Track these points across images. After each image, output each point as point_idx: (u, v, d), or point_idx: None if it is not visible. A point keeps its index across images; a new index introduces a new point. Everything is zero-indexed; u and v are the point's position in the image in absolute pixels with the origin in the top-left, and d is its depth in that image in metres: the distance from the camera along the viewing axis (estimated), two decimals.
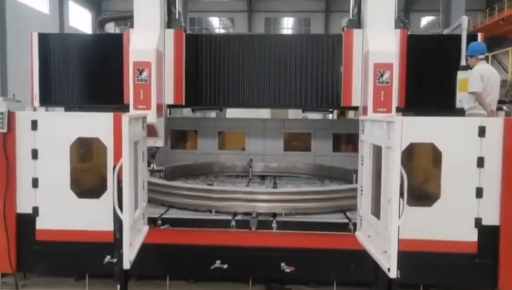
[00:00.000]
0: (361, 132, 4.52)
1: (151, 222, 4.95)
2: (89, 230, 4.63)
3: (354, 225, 4.85)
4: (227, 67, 7.07)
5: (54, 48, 7.01)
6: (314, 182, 7.20)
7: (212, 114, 9.75)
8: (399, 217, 3.63)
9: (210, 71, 7.07)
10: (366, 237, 4.28)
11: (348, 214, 5.29)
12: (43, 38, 6.99)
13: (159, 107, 6.08)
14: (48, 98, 7.06)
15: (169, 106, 6.77)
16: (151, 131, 5.93)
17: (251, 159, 7.62)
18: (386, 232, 3.76)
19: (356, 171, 6.72)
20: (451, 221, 4.49)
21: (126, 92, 6.05)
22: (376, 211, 4.09)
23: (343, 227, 4.95)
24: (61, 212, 4.64)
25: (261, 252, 4.79)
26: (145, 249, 4.40)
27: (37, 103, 7.05)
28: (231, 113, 10.00)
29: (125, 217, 3.66)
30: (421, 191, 4.59)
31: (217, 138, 7.98)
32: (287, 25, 38.75)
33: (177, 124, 8.15)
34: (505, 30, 26.40)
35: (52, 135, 4.58)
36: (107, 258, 4.55)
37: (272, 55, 7.07)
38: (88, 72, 7.08)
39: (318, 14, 37.21)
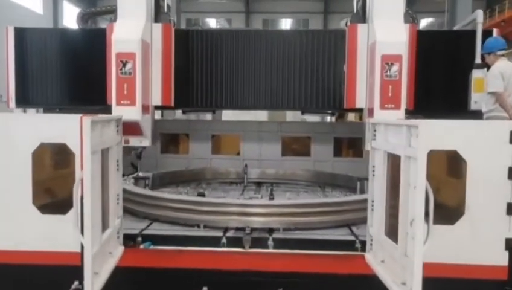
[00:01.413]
0: (371, 138, 3.74)
1: (130, 239, 4.18)
2: (53, 251, 3.82)
3: (362, 242, 4.09)
4: (221, 66, 6.33)
5: (31, 43, 6.24)
6: (314, 190, 6.43)
7: (208, 116, 8.97)
8: (424, 242, 2.86)
9: (202, 69, 6.33)
10: (379, 262, 3.50)
11: (354, 229, 4.52)
12: (20, 33, 6.21)
13: (145, 104, 5.34)
14: (25, 99, 6.28)
15: (157, 108, 6.01)
16: (136, 129, 5.21)
17: (246, 165, 6.86)
18: (405, 260, 2.99)
19: (361, 179, 6.01)
20: (478, 242, 3.70)
21: (110, 90, 5.30)
22: (391, 232, 3.32)
23: (349, 245, 4.17)
24: (21, 230, 3.82)
25: (254, 276, 4.01)
26: (119, 274, 3.63)
27: (13, 104, 6.27)
28: (227, 115, 9.24)
29: (86, 241, 2.87)
30: (442, 207, 3.80)
31: (210, 142, 7.21)
32: (285, 26, 37.85)
33: (168, 126, 7.38)
34: (506, 32, 25.63)
35: (9, 140, 3.76)
36: (75, 284, 3.75)
37: (269, 52, 6.33)
38: (69, 70, 6.31)
39: (316, 16, 36.34)
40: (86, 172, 2.82)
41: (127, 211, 4.99)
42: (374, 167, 3.69)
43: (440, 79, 6.16)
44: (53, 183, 4.22)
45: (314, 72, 6.33)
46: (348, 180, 6.39)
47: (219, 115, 9.16)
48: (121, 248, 3.78)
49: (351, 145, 7.29)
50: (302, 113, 6.85)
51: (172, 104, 6.09)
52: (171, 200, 4.65)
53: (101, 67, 5.54)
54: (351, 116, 10.21)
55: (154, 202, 4.73)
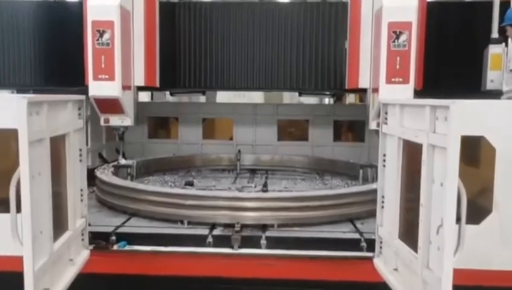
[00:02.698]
0: (382, 121, 3.04)
1: (104, 237, 3.52)
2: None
3: (367, 241, 3.45)
4: (211, 42, 5.66)
5: (1, 17, 5.50)
6: (312, 178, 5.76)
7: (202, 99, 8.24)
8: (454, 253, 2.20)
9: (190, 46, 5.66)
10: (391, 270, 2.84)
11: (358, 224, 3.87)
12: None
13: (126, 79, 4.67)
14: None
15: (140, 89, 5.30)
16: (116, 107, 4.60)
17: (239, 151, 6.19)
18: (428, 274, 2.33)
19: (363, 167, 5.35)
20: (509, 243, 3.04)
21: (86, 64, 4.63)
22: (408, 236, 2.66)
23: (353, 244, 3.52)
24: None
25: (245, 285, 3.36)
26: (85, 282, 2.99)
27: None
28: (223, 97, 8.51)
29: (27, 253, 2.19)
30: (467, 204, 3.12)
31: (201, 126, 6.52)
32: None
33: (155, 109, 6.69)
34: None
35: None
36: None
37: (264, 27, 5.65)
38: (44, 48, 5.59)
39: None
40: (23, 166, 2.13)
41: (104, 205, 4.35)
42: (384, 156, 3.00)
43: (451, 55, 5.46)
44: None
45: (314, 50, 5.64)
46: (349, 167, 5.72)
47: (213, 97, 8.43)
48: (86, 253, 3.12)
49: (352, 128, 6.63)
50: (300, 94, 6.15)
51: (157, 85, 5.39)
52: (151, 193, 3.97)
53: (80, 44, 4.81)
54: (351, 98, 9.51)
55: (133, 194, 4.05)
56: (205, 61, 5.70)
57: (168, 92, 7.13)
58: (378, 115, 4.77)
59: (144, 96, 9.06)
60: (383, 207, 3.04)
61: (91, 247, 3.41)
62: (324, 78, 5.68)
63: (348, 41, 5.29)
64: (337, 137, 6.49)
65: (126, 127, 5.07)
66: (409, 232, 2.61)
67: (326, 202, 3.87)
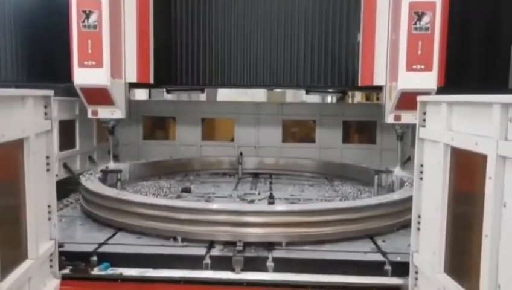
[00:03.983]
0: (419, 124, 2.39)
1: (84, 258, 2.88)
2: None
3: (393, 264, 2.80)
4: (210, 35, 5.05)
5: None
6: (320, 183, 5.12)
7: (202, 97, 7.56)
8: None
9: (187, 40, 5.02)
10: None
11: (379, 241, 3.24)
12: None
13: (116, 66, 4.13)
14: None
15: (132, 85, 4.66)
16: (105, 98, 4.13)
17: (241, 153, 5.54)
18: None
19: (379, 172, 4.70)
20: None
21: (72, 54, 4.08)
22: (460, 273, 2.01)
23: (375, 268, 2.88)
24: None
25: None
26: None
27: None
28: (224, 95, 7.84)
29: None
30: None
31: (200, 126, 5.87)
32: None
33: (151, 109, 6.05)
34: None
35: None
36: None
37: (268, 18, 5.05)
38: (27, 41, 4.95)
39: None
40: None
41: (89, 216, 3.70)
42: (422, 166, 2.35)
43: (475, 49, 4.81)
44: None
45: (323, 42, 5.05)
46: (361, 172, 5.07)
47: (213, 95, 7.76)
48: (55, 282, 2.47)
49: (363, 129, 6.01)
50: (307, 92, 5.50)
51: (151, 81, 4.77)
52: (140, 205, 3.32)
53: (66, 35, 4.18)
54: (358, 97, 8.84)
55: (119, 205, 3.40)
56: (204, 56, 5.10)
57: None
58: (397, 108, 4.18)
59: (142, 95, 8.42)
60: (419, 229, 2.39)
61: (67, 271, 2.79)
62: (334, 75, 5.08)
63: (361, 34, 4.69)
64: (346, 138, 5.86)
65: (117, 120, 4.46)
66: (463, 268, 1.97)
67: (343, 216, 3.22)
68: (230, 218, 3.10)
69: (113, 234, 3.30)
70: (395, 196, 3.50)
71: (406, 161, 5.06)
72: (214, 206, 3.27)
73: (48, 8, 4.95)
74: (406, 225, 3.38)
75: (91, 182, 3.88)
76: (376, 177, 4.47)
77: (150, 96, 7.94)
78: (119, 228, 3.37)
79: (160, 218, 3.22)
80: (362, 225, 3.28)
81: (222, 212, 3.13)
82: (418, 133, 2.36)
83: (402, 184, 4.11)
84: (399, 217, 3.39)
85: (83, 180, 3.90)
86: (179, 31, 5.02)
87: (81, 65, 3.97)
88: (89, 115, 4.34)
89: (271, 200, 3.59)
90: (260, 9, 5.00)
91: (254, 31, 5.03)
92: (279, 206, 3.47)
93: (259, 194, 4.40)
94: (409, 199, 3.45)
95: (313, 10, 4.94)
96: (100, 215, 3.52)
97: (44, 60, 4.98)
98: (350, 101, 8.03)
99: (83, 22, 3.89)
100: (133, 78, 4.55)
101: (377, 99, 8.62)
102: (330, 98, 8.05)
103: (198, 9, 5.01)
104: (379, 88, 4.58)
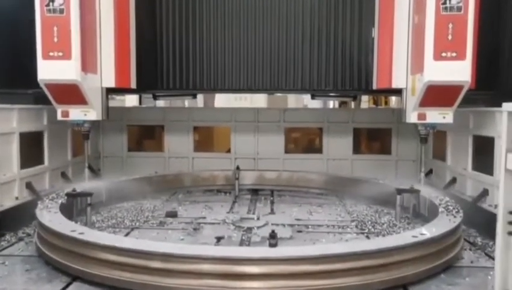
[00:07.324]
0: (506, 141, 1.58)
1: None
2: None
3: None
4: (201, 32, 4.31)
5: None
6: (330, 203, 4.32)
7: (194, 103, 6.79)
8: None
9: (174, 39, 4.26)
10: None
11: None
12: None
13: (88, 57, 3.41)
14: None
15: (110, 90, 3.88)
16: (75, 96, 3.39)
17: (238, 167, 4.76)
18: None
19: (401, 191, 3.86)
20: None
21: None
22: None
23: None
24: None
25: None
26: None
27: None
28: (217, 101, 7.06)
29: None
30: None
31: (192, 136, 5.09)
32: None
33: (137, 116, 5.27)
34: None
35: None
36: None
37: (268, 13, 4.28)
38: None
39: None
40: None
41: (42, 257, 2.86)
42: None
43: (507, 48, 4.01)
44: None
45: (331, 40, 4.26)
46: (376, 188, 4.25)
47: (207, 100, 6.98)
48: None
49: (376, 138, 5.20)
50: (313, 97, 4.70)
51: (133, 86, 3.99)
52: (101, 247, 2.49)
53: (34, 37, 3.41)
54: (365, 103, 8.04)
55: (74, 247, 2.58)
56: (194, 57, 4.36)
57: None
58: (422, 104, 3.37)
59: (133, 101, 7.64)
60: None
61: None
62: (344, 77, 4.31)
63: (377, 28, 3.93)
64: (357, 148, 5.06)
65: (92, 123, 3.68)
66: None
67: (369, 262, 2.40)
68: (218, 268, 2.29)
69: (66, 285, 2.47)
70: (434, 229, 2.68)
71: (427, 174, 4.28)
72: (196, 251, 2.45)
73: (13, 6, 4.17)
74: (447, 268, 2.60)
75: (47, 212, 3.06)
76: (398, 197, 3.66)
77: (140, 103, 7.20)
78: (74, 277, 2.55)
79: (127, 266, 2.40)
80: (394, 273, 2.45)
81: (208, 260, 2.32)
82: (506, 162, 1.54)
83: (434, 208, 3.29)
84: (440, 258, 2.58)
85: (38, 210, 3.08)
86: (165, 27, 4.26)
87: (45, 57, 3.22)
88: (59, 117, 3.57)
89: (273, 241, 2.75)
90: (259, 4, 4.24)
91: (252, 28, 4.27)
92: (283, 250, 2.61)
93: (258, 219, 3.61)
94: (452, 233, 2.68)
95: (319, 3, 4.17)
96: (53, 257, 2.70)
97: (11, 64, 4.20)
98: (361, 106, 7.23)
99: (47, 5, 3.19)
100: (110, 82, 3.77)
101: (386, 103, 7.83)
102: (339, 103, 7.31)
103: (186, 5, 4.25)
104: (398, 91, 3.79)
